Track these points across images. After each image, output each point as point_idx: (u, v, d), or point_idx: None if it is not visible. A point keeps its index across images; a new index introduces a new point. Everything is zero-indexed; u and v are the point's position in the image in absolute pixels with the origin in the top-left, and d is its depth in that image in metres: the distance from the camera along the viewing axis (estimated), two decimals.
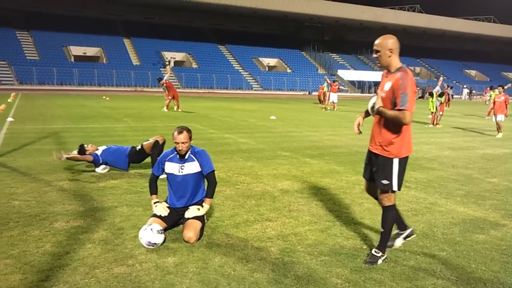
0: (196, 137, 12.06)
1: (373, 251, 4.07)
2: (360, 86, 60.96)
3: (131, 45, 54.12)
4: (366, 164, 4.25)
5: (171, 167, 4.71)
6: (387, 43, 3.85)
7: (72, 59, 48.73)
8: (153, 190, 4.82)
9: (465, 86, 60.40)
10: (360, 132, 4.29)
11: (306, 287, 3.51)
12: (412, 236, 4.41)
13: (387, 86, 3.85)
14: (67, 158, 7.22)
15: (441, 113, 17.86)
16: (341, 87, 26.76)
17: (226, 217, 5.20)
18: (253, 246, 4.31)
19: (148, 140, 7.35)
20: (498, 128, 14.66)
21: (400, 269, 3.89)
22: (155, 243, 4.17)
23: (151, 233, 4.17)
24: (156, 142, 7.20)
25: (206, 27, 61.76)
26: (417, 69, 70.25)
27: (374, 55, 3.96)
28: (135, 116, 17.61)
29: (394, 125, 3.86)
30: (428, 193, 6.61)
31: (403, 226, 4.37)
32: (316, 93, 35.59)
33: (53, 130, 12.59)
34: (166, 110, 20.55)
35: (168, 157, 4.76)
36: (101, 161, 7.25)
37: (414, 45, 73.43)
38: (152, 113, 19.25)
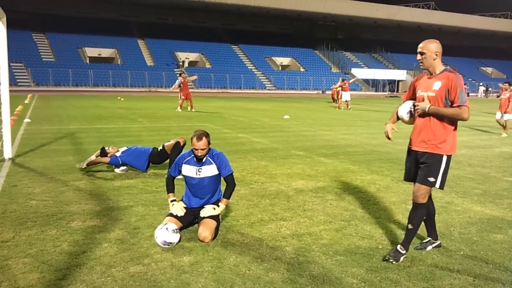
0: (210, 137, 12.13)
1: (398, 247, 4.08)
2: (374, 84, 60.52)
3: (145, 46, 54.51)
4: (409, 166, 4.26)
5: (188, 170, 4.72)
6: (433, 47, 4.04)
7: (87, 61, 49.25)
8: (170, 188, 4.81)
9: (481, 84, 59.57)
10: (390, 139, 4.36)
11: (321, 287, 3.50)
12: (439, 248, 4.36)
13: (437, 85, 3.97)
14: (87, 165, 7.28)
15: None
16: (349, 81, 26.48)
17: (241, 216, 5.20)
18: (268, 246, 4.31)
19: (170, 141, 7.38)
20: (505, 127, 14.10)
21: (416, 269, 3.86)
22: (171, 242, 4.19)
23: (166, 232, 4.19)
24: (177, 143, 7.22)
25: (219, 27, 61.90)
26: None
27: (419, 57, 4.09)
28: (150, 116, 17.73)
29: (449, 123, 3.98)
30: (444, 192, 6.53)
31: (435, 236, 4.38)
32: (330, 92, 35.42)
33: (69, 130, 12.74)
34: (180, 110, 20.65)
35: (186, 159, 4.76)
36: (120, 163, 7.30)
37: None
38: (167, 113, 19.37)
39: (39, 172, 7.34)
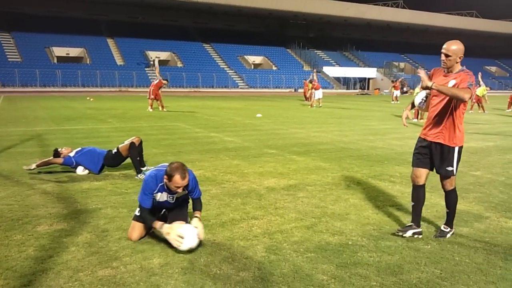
0: (182, 136, 12.12)
1: (442, 227, 4.68)
2: (346, 82, 61.25)
3: (115, 45, 53.64)
4: (419, 153, 4.56)
5: (160, 196, 4.41)
6: (459, 51, 4.31)
7: (55, 60, 48.14)
8: (152, 218, 4.33)
9: None
10: (405, 125, 5.00)
11: (292, 285, 3.51)
12: (419, 236, 4.59)
13: (451, 83, 4.28)
14: (37, 166, 7.12)
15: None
16: (315, 78, 26.73)
17: (212, 216, 5.18)
18: (239, 245, 4.30)
19: (124, 143, 7.25)
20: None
21: (385, 264, 3.91)
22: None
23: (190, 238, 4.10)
24: (132, 144, 7.10)
25: (190, 26, 61.49)
26: (402, 65, 70.85)
27: (443, 58, 4.32)
28: (120, 117, 17.46)
29: (458, 117, 4.37)
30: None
31: (417, 223, 4.66)
32: (302, 90, 35.73)
33: (36, 132, 12.43)
34: (151, 110, 20.43)
35: (156, 191, 4.33)
36: (74, 163, 7.13)
37: (398, 41, 74.06)
38: (137, 113, 19.11)
39: (4, 175, 7.13)
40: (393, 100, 32.61)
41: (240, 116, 18.36)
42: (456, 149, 4.40)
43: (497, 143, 11.61)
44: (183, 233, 4.06)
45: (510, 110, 24.46)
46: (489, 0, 76.63)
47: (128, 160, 7.30)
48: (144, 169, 7.26)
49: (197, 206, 4.56)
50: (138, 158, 7.14)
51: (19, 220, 4.96)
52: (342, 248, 4.24)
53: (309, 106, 25.44)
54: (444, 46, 4.30)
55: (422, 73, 4.28)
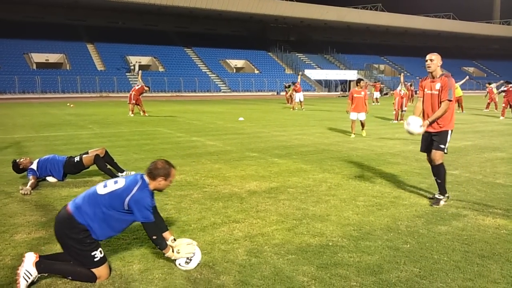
0: (163, 141, 12.05)
1: (436, 195, 5.88)
2: (327, 85, 61.66)
3: (95, 50, 53.08)
4: (425, 141, 6.02)
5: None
6: (439, 58, 5.83)
7: (34, 66, 47.38)
8: (165, 241, 3.96)
9: None
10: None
11: (272, 287, 3.52)
12: (448, 198, 5.88)
13: (437, 86, 5.76)
14: (32, 189, 6.64)
15: (405, 108, 18.27)
16: (298, 80, 26.96)
17: (193, 220, 5.16)
18: (220, 249, 4.29)
19: (88, 154, 7.15)
20: None
21: (365, 264, 3.95)
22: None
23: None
24: (97, 156, 7.02)
25: (171, 30, 61.20)
26: (382, 67, 71.59)
27: (428, 63, 5.78)
28: (101, 123, 17.28)
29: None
30: (392, 187, 6.74)
31: (444, 191, 5.88)
32: (283, 93, 35.87)
33: (14, 139, 12.22)
34: (132, 115, 20.27)
35: (152, 199, 3.94)
36: (39, 175, 6.92)
37: (378, 43, 74.88)
38: (118, 119, 18.94)
39: None
40: (373, 102, 32.95)
41: (222, 120, 18.34)
42: (449, 132, 5.81)
43: (475, 142, 11.81)
44: (192, 251, 3.88)
45: (487, 110, 24.91)
46: (466, 2, 78.18)
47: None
48: (123, 174, 7.21)
49: (163, 224, 4.18)
50: (108, 167, 7.10)
51: None
52: (322, 249, 4.26)
53: (291, 109, 25.54)
54: (427, 57, 5.80)
55: (425, 126, 5.69)
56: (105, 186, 3.83)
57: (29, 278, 3.50)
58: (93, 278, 3.57)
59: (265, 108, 27.29)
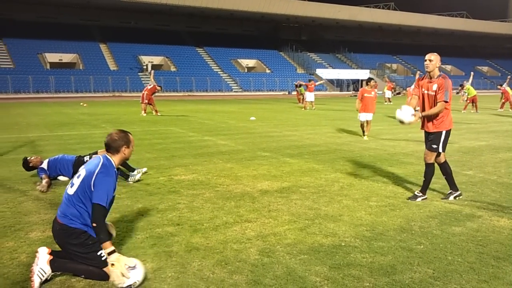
0: (175, 140, 12.10)
1: (416, 192, 6.05)
2: (339, 84, 61.42)
3: (107, 50, 53.50)
4: (425, 140, 6.15)
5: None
6: (438, 59, 5.86)
7: (48, 66, 47.92)
8: (108, 234, 3.73)
9: None
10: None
11: (285, 287, 3.52)
12: (460, 197, 6.04)
13: (434, 87, 5.81)
14: (48, 185, 6.81)
15: (418, 108, 18.11)
16: (316, 83, 27.03)
17: (205, 220, 5.17)
18: (232, 248, 4.30)
19: (97, 153, 7.16)
20: None
21: (378, 264, 3.92)
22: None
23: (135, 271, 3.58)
24: None
25: (183, 30, 61.43)
26: (394, 66, 71.11)
27: (427, 63, 5.82)
28: (113, 122, 17.41)
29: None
30: (405, 187, 6.69)
31: (455, 188, 6.08)
32: (295, 93, 35.83)
33: (29, 139, 12.37)
34: (144, 115, 20.39)
35: (116, 179, 3.89)
36: (50, 175, 6.96)
37: (390, 42, 74.34)
38: (131, 118, 19.07)
39: None
40: (386, 101, 32.73)
41: (234, 120, 18.36)
42: (444, 132, 5.89)
43: (489, 142, 11.68)
44: (130, 273, 3.51)
45: (502, 110, 24.61)
46: (480, 1, 77.24)
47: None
48: (135, 172, 7.27)
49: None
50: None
51: (11, 227, 4.94)
52: (335, 250, 4.25)
53: (302, 109, 25.48)
54: (426, 57, 5.84)
55: (417, 116, 5.84)
56: (72, 185, 3.78)
57: (43, 276, 3.54)
58: (105, 277, 3.59)
59: (277, 108, 27.27)
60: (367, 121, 12.45)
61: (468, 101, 23.59)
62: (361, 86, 62.07)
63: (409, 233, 4.71)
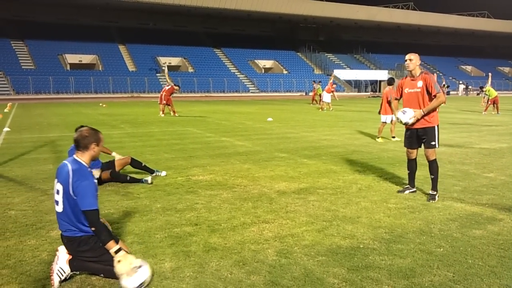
0: (193, 141, 12.18)
1: (430, 192, 6.10)
2: (357, 85, 61.03)
3: (126, 51, 54.13)
4: (410, 138, 6.23)
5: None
6: (418, 58, 6.11)
7: (68, 67, 48.72)
8: (111, 235, 3.77)
9: (461, 82, 60.48)
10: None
11: None
12: (414, 193, 6.33)
13: (420, 84, 6.00)
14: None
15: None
16: (334, 84, 27.09)
17: (223, 220, 5.19)
18: (250, 249, 4.31)
19: (120, 158, 7.33)
20: None
21: (397, 267, 3.89)
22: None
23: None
24: (112, 171, 7.06)
25: (201, 31, 61.81)
26: None
27: (407, 62, 6.05)
28: (132, 122, 17.60)
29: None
30: (425, 190, 6.61)
31: (412, 184, 6.42)
32: (311, 94, 35.76)
33: (50, 138, 12.58)
34: (162, 115, 20.56)
35: (91, 174, 3.80)
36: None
37: (409, 43, 73.42)
38: (149, 119, 19.25)
39: (19, 181, 7.23)
40: None
41: (251, 120, 18.39)
42: (436, 127, 6.04)
43: (511, 144, 11.47)
44: (137, 272, 3.49)
45: None
46: (501, 0, 75.83)
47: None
48: (154, 174, 7.36)
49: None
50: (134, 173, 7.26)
51: (33, 225, 5.03)
52: (353, 252, 4.22)
53: (320, 110, 25.39)
54: (406, 57, 6.07)
55: (418, 114, 5.95)
56: (57, 203, 3.72)
57: (62, 275, 3.60)
58: None
59: (294, 109, 27.22)
60: (386, 123, 12.37)
61: (490, 103, 23.21)
62: (380, 87, 61.10)
63: (428, 235, 4.66)
